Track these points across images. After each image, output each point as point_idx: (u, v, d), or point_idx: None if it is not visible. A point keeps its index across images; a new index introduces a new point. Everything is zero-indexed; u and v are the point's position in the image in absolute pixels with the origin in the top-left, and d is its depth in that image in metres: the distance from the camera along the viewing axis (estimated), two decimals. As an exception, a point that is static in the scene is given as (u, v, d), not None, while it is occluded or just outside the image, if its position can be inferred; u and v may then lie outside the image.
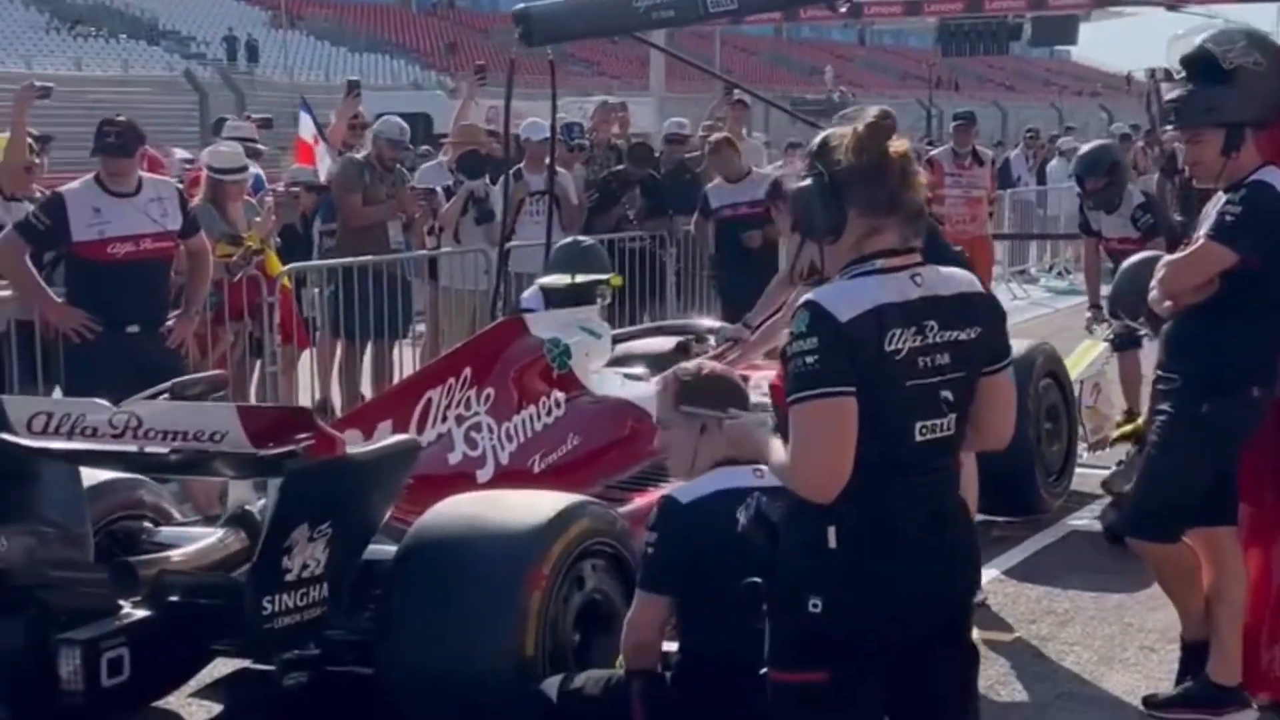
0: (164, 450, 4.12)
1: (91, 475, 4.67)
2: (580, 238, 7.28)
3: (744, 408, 3.99)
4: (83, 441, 4.20)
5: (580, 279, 6.06)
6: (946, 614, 2.88)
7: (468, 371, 5.35)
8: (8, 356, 6.66)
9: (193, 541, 4.67)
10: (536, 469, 5.40)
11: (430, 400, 5.20)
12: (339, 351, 8.97)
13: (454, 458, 5.20)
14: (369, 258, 8.48)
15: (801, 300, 2.78)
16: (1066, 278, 16.71)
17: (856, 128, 2.80)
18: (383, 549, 4.40)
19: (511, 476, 5.24)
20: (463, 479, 5.11)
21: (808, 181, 2.82)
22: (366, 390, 8.89)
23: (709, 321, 7.24)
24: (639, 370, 6.36)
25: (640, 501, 5.20)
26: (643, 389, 6.03)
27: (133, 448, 4.16)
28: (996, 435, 2.96)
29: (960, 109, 14.64)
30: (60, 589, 4.33)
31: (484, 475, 5.24)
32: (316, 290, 8.72)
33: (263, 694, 4.94)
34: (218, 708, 4.93)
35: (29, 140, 7.35)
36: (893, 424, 2.75)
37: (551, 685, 3.87)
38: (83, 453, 4.30)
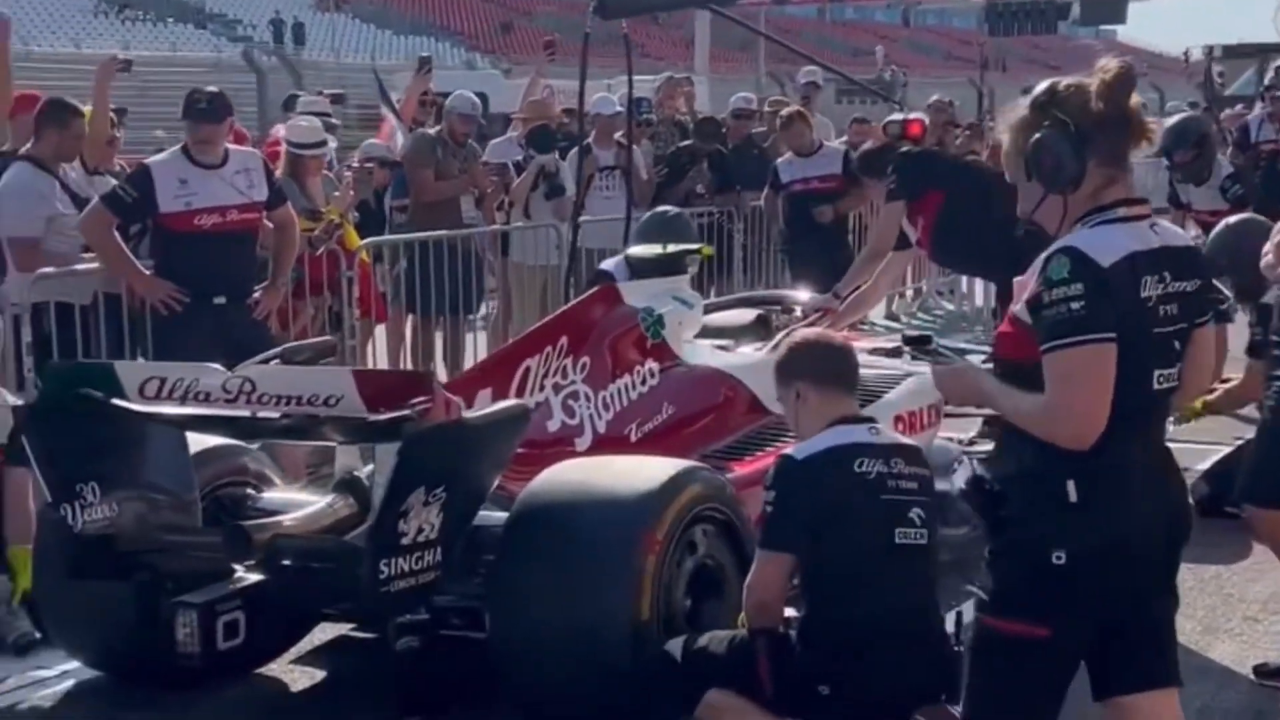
0: (277, 415, 4.13)
1: (196, 442, 4.69)
2: (666, 208, 7.25)
3: (849, 368, 4.02)
4: (195, 406, 4.20)
5: (671, 249, 6.02)
6: (1166, 560, 2.91)
7: (564, 340, 5.32)
8: (95, 328, 6.66)
9: (297, 507, 4.69)
10: (633, 437, 5.37)
11: (528, 369, 5.18)
12: (410, 327, 8.99)
13: (553, 425, 5.18)
14: (442, 232, 8.48)
15: (1057, 247, 2.77)
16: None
17: (1104, 78, 2.81)
18: (490, 515, 4.40)
19: (609, 445, 5.21)
20: (562, 447, 5.10)
21: (1045, 132, 2.80)
22: (439, 366, 8.90)
23: (801, 293, 7.20)
24: (721, 343, 6.33)
25: (738, 470, 5.17)
26: (735, 359, 6.01)
27: (246, 413, 4.16)
28: (1198, 386, 3.01)
29: (1027, 85, 14.52)
30: (172, 554, 4.35)
31: (582, 443, 5.22)
32: (389, 266, 8.72)
33: (362, 660, 4.98)
34: (320, 674, 4.95)
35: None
36: (1137, 372, 2.76)
37: (676, 646, 3.87)
38: (191, 418, 4.31)
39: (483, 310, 9.42)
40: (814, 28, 53.26)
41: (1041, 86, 2.89)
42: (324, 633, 5.07)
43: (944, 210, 6.07)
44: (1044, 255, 2.78)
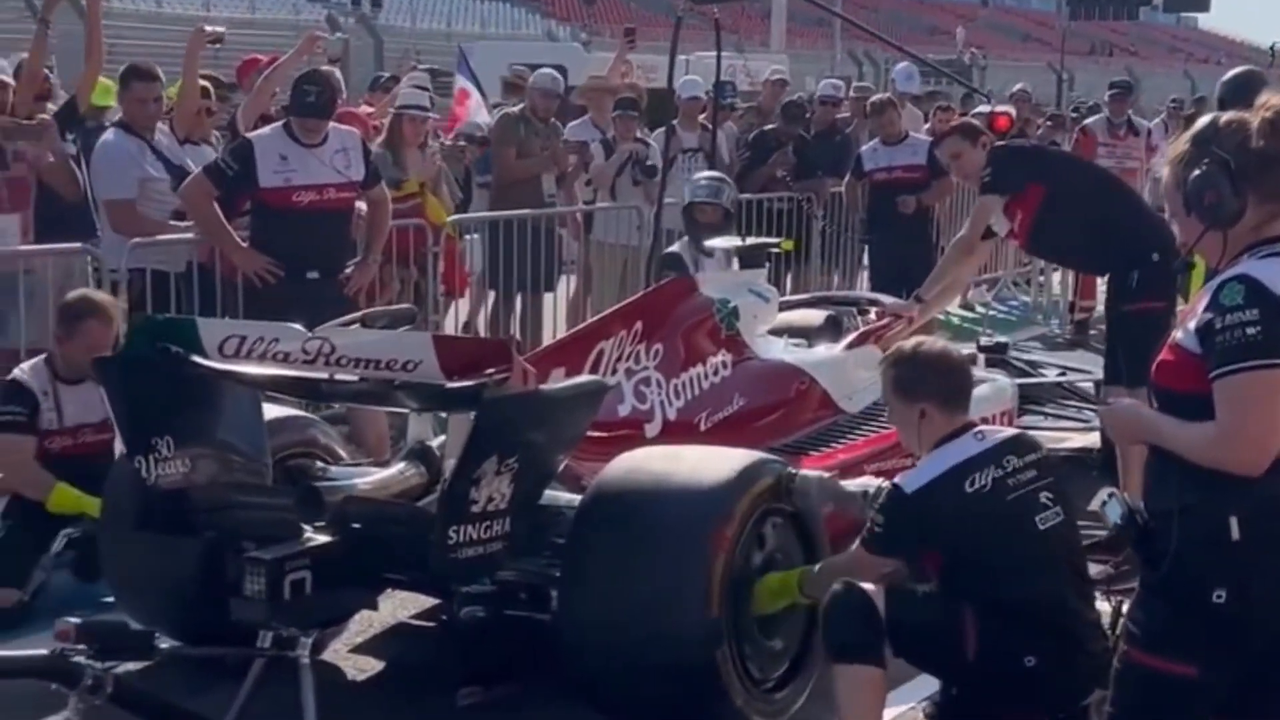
0: (354, 378, 4.12)
1: (268, 411, 4.69)
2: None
3: (969, 383, 4.08)
4: (274, 366, 4.15)
5: (750, 241, 6.02)
6: None
7: (639, 326, 5.32)
8: (186, 297, 6.70)
9: (365, 480, 4.70)
10: (703, 426, 5.36)
11: (602, 351, 5.17)
12: (489, 303, 9.01)
13: (623, 409, 5.17)
14: (525, 211, 8.47)
15: (1229, 275, 2.76)
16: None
17: (1265, 115, 2.79)
18: (558, 495, 4.40)
19: (677, 432, 5.21)
20: (631, 431, 5.09)
21: (1205, 169, 2.78)
22: (516, 343, 8.89)
23: (885, 297, 7.15)
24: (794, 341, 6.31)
25: (807, 466, 5.12)
26: (808, 354, 5.99)
27: (323, 374, 4.15)
28: None
29: (1116, 79, 14.40)
30: (242, 512, 4.35)
31: (651, 430, 5.21)
32: (470, 241, 8.75)
33: (420, 649, 4.98)
34: (379, 663, 4.92)
35: (202, 84, 7.45)
36: None
37: (879, 595, 3.79)
38: (268, 378, 4.31)
39: (561, 289, 9.40)
40: (890, 4, 52.46)
41: (1203, 121, 2.87)
42: (382, 620, 5.07)
43: (1045, 205, 6.02)
44: (1215, 283, 2.76)
